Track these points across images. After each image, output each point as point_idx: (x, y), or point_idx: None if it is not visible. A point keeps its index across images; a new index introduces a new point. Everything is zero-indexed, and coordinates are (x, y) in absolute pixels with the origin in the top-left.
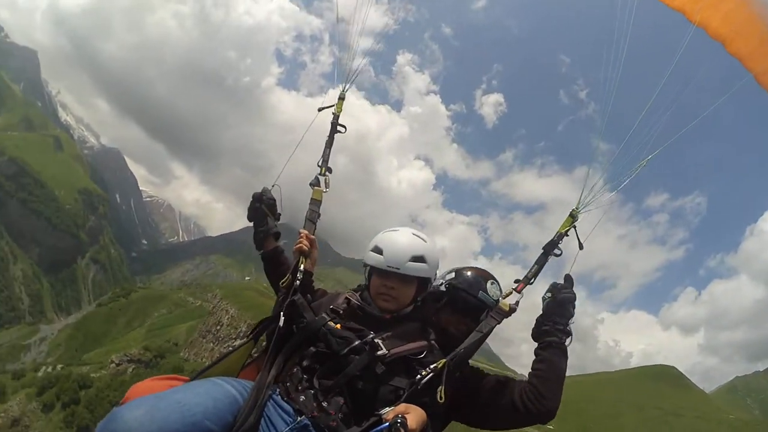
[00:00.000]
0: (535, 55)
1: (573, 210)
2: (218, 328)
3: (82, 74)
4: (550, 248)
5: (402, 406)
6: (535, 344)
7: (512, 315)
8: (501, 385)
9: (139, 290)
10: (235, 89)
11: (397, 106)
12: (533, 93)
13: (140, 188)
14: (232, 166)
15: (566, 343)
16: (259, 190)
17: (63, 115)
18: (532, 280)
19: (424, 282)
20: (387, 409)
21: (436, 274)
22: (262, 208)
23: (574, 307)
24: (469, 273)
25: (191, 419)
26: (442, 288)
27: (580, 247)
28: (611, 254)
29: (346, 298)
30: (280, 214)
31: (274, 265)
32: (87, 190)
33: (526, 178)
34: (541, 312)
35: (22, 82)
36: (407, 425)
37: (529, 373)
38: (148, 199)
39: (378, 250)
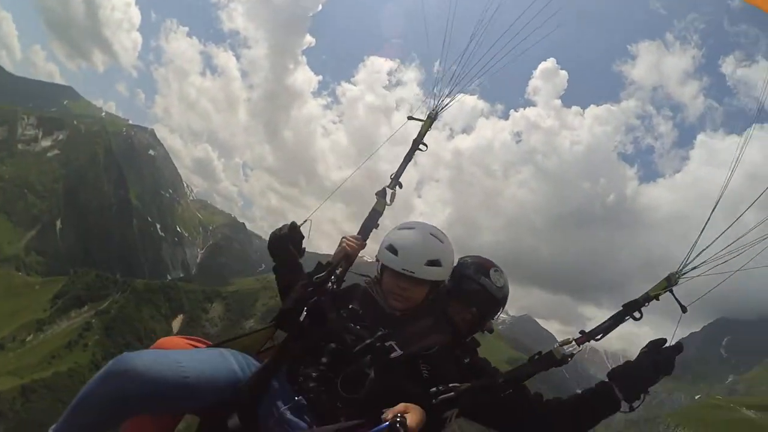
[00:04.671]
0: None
1: (671, 274)
2: None
3: None
4: (631, 309)
5: (401, 406)
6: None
7: (563, 366)
8: (531, 400)
9: None
10: (606, 212)
11: None
12: None
13: None
14: (640, 284)
15: (623, 408)
16: (288, 228)
17: None
18: (598, 337)
19: (435, 283)
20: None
21: (449, 277)
22: (290, 248)
23: (660, 379)
24: (470, 260)
25: (184, 381)
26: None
27: (683, 310)
28: None
29: (367, 288)
30: (304, 249)
31: (292, 264)
32: (514, 359)
33: None
34: (635, 358)
35: None
36: (406, 425)
37: (573, 399)
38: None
39: (393, 250)
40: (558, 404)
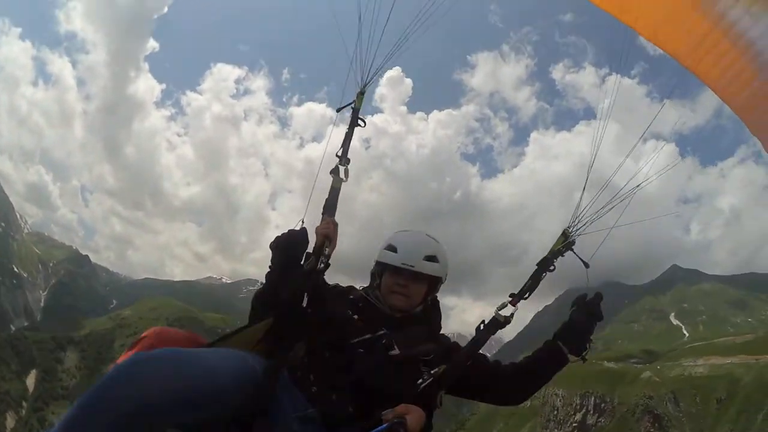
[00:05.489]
0: None
1: (565, 229)
2: (555, 413)
3: (340, 276)
4: (545, 265)
5: (402, 407)
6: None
7: (506, 326)
8: (493, 368)
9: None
10: (453, 208)
11: None
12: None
13: None
14: (493, 269)
15: (572, 360)
16: (305, 234)
17: None
18: (526, 295)
19: (434, 282)
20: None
21: (446, 275)
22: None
23: (595, 326)
24: None
25: (220, 387)
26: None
27: (586, 265)
28: None
29: (363, 293)
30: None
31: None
32: None
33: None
34: (570, 317)
35: None
36: (406, 426)
37: (526, 361)
38: None
39: (392, 248)
40: (516, 367)
